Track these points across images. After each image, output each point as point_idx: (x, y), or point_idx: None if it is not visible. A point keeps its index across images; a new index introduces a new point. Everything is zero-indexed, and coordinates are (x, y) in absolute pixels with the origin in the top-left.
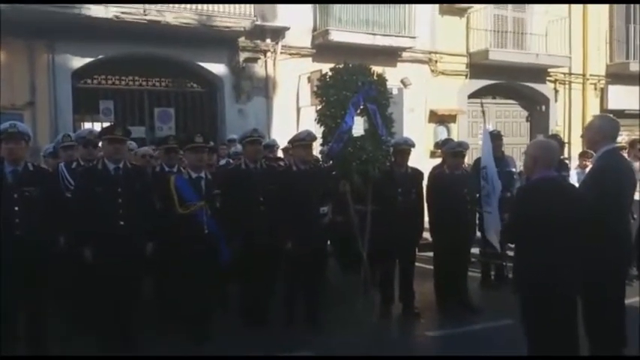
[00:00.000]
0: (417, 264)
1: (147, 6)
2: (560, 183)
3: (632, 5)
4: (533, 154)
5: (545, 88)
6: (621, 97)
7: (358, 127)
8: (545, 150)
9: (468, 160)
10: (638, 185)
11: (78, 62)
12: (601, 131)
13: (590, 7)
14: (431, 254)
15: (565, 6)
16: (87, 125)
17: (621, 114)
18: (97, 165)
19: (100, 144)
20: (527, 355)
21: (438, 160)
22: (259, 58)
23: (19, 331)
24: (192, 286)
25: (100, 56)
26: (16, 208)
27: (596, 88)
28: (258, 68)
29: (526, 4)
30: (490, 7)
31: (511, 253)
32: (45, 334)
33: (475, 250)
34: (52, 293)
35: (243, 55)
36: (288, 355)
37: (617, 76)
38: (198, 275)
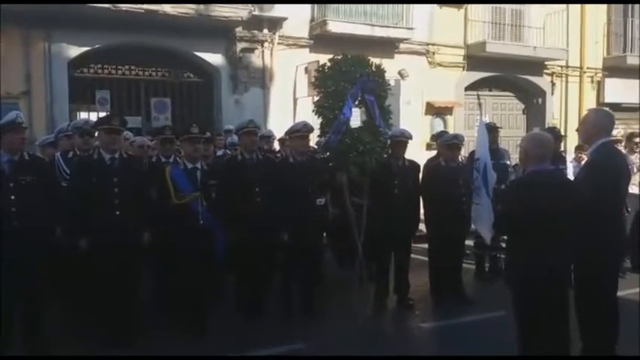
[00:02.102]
0: (412, 256)
1: None
2: (554, 176)
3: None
4: (525, 147)
5: (542, 81)
6: (618, 91)
7: (355, 118)
8: (536, 143)
9: (464, 153)
10: (632, 178)
11: (74, 51)
12: (596, 124)
13: None
14: (426, 246)
15: None
16: (83, 115)
17: (618, 107)
18: (93, 155)
19: (96, 134)
20: (518, 348)
21: (435, 153)
22: (256, 49)
23: (14, 328)
24: (187, 277)
25: (97, 45)
26: (13, 198)
27: (593, 81)
28: (255, 58)
29: None
30: None
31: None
32: (41, 330)
33: (470, 243)
34: (49, 285)
35: (240, 46)
36: (284, 355)
37: (615, 69)
38: (194, 266)
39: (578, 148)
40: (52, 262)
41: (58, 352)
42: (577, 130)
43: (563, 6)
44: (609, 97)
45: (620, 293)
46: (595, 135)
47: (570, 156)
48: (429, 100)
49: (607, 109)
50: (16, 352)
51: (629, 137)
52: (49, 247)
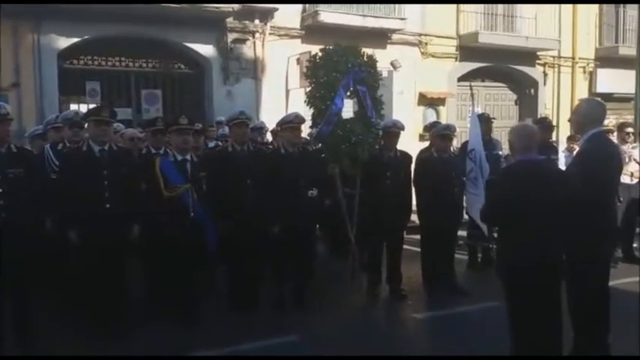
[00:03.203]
0: (404, 246)
1: None
2: (540, 166)
3: None
4: (511, 139)
5: (535, 72)
6: (610, 81)
7: (347, 109)
8: (520, 134)
9: (456, 143)
10: (624, 168)
11: (64, 42)
12: (588, 115)
13: None
14: (418, 237)
15: None
16: (73, 106)
17: (610, 97)
18: (82, 147)
19: (85, 125)
20: (510, 338)
21: (427, 143)
22: (248, 39)
23: (7, 327)
24: (178, 270)
25: (86, 36)
26: (0, 191)
27: (585, 72)
28: (247, 49)
29: None
30: None
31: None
32: (34, 327)
33: (462, 233)
34: (39, 279)
35: (231, 36)
36: (277, 349)
37: (606, 59)
38: (185, 259)
39: (570, 138)
40: (42, 255)
41: (50, 350)
42: (569, 120)
43: None
44: (601, 88)
45: (612, 283)
46: (587, 125)
47: (562, 146)
48: (422, 91)
49: (599, 99)
50: (11, 352)
51: (621, 127)
52: (39, 240)
